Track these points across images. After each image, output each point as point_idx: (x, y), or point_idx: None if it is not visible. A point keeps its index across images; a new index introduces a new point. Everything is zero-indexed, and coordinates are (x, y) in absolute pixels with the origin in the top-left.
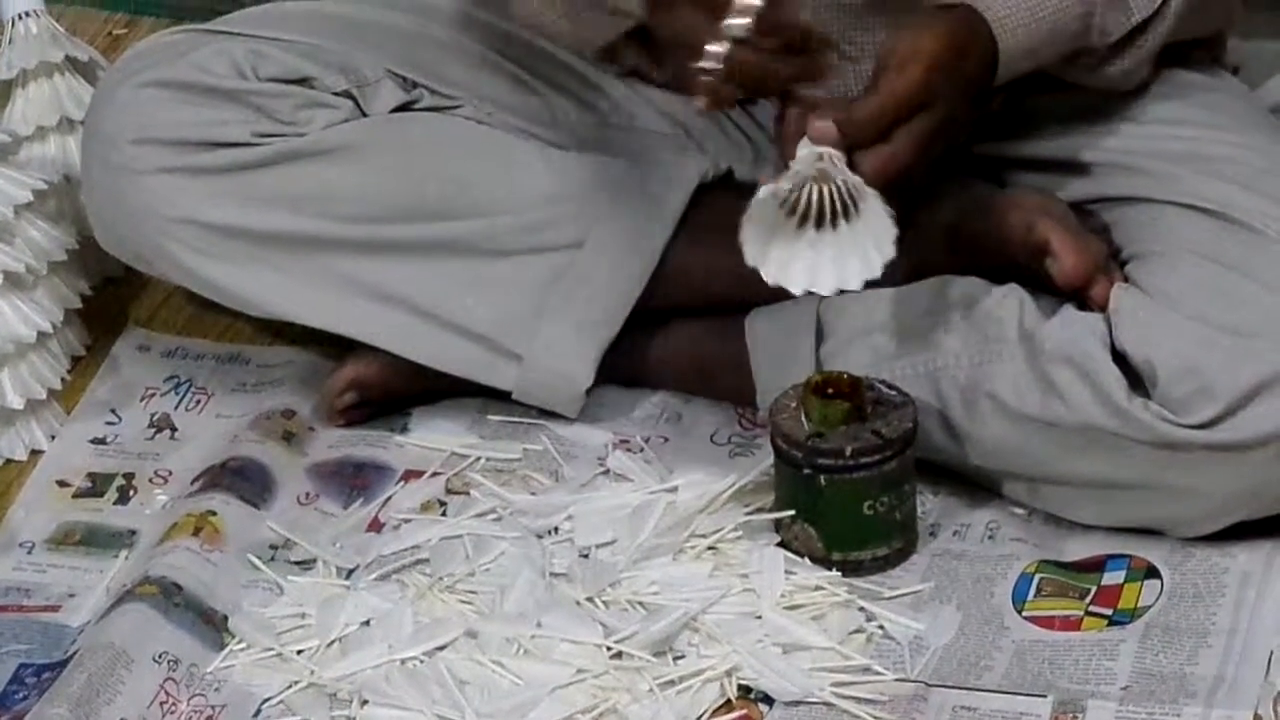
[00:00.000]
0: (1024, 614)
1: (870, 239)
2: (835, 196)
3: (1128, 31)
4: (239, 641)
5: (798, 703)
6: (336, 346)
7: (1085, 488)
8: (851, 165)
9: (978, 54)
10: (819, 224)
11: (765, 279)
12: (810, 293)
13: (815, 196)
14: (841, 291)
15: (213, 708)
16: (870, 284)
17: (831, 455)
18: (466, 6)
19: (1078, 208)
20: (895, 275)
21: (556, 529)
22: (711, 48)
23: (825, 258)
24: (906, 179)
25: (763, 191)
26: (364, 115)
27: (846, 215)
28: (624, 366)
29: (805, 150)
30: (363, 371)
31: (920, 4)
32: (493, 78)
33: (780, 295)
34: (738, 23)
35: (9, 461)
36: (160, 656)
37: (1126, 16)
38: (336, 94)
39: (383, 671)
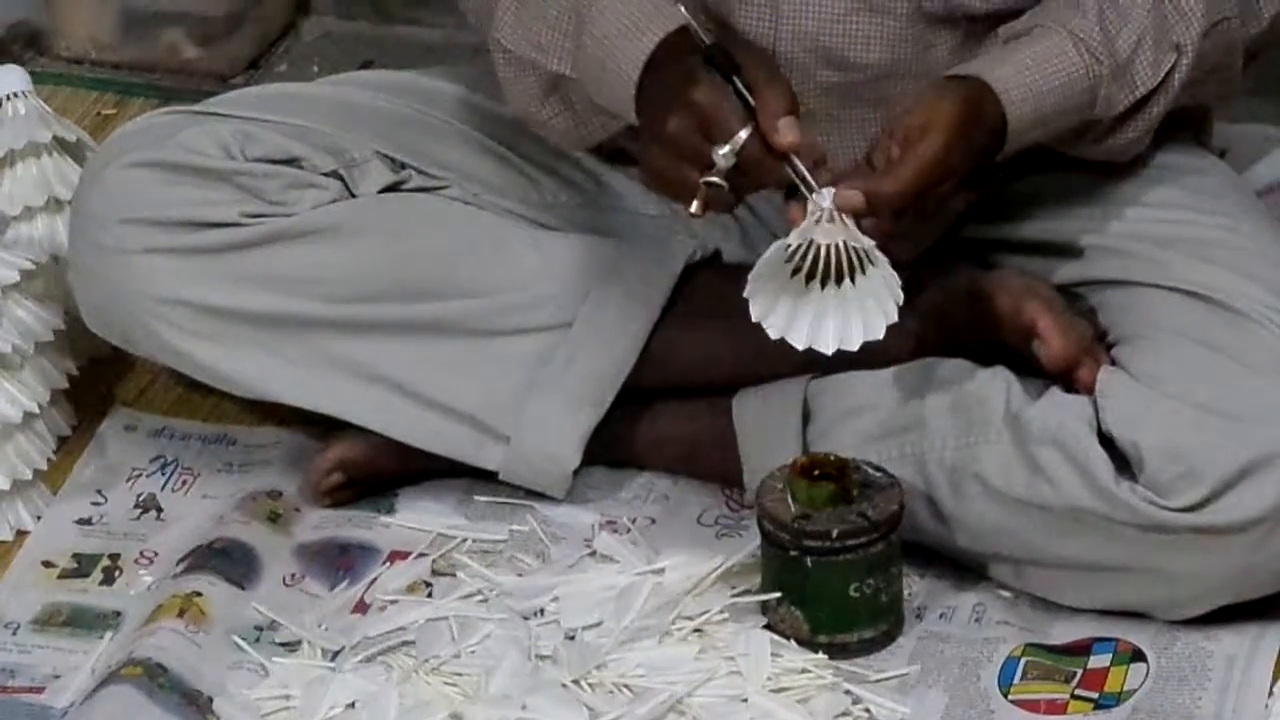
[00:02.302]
0: (1010, 697)
1: (876, 300)
2: (843, 256)
3: (1133, 107)
4: None
5: None
6: (323, 427)
7: (1072, 570)
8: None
9: (987, 124)
10: (824, 282)
11: (769, 334)
12: (812, 350)
13: (823, 255)
14: (841, 351)
15: None
16: (862, 358)
17: (818, 537)
18: (463, 92)
19: (1065, 291)
20: (884, 356)
21: (543, 610)
22: (706, 178)
23: (831, 316)
24: (903, 244)
25: (771, 250)
26: (352, 196)
27: (853, 275)
28: (611, 447)
29: (816, 206)
30: (349, 452)
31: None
32: (480, 159)
33: (768, 376)
34: (725, 151)
35: None
36: None
37: (1131, 89)
38: (325, 174)
39: None
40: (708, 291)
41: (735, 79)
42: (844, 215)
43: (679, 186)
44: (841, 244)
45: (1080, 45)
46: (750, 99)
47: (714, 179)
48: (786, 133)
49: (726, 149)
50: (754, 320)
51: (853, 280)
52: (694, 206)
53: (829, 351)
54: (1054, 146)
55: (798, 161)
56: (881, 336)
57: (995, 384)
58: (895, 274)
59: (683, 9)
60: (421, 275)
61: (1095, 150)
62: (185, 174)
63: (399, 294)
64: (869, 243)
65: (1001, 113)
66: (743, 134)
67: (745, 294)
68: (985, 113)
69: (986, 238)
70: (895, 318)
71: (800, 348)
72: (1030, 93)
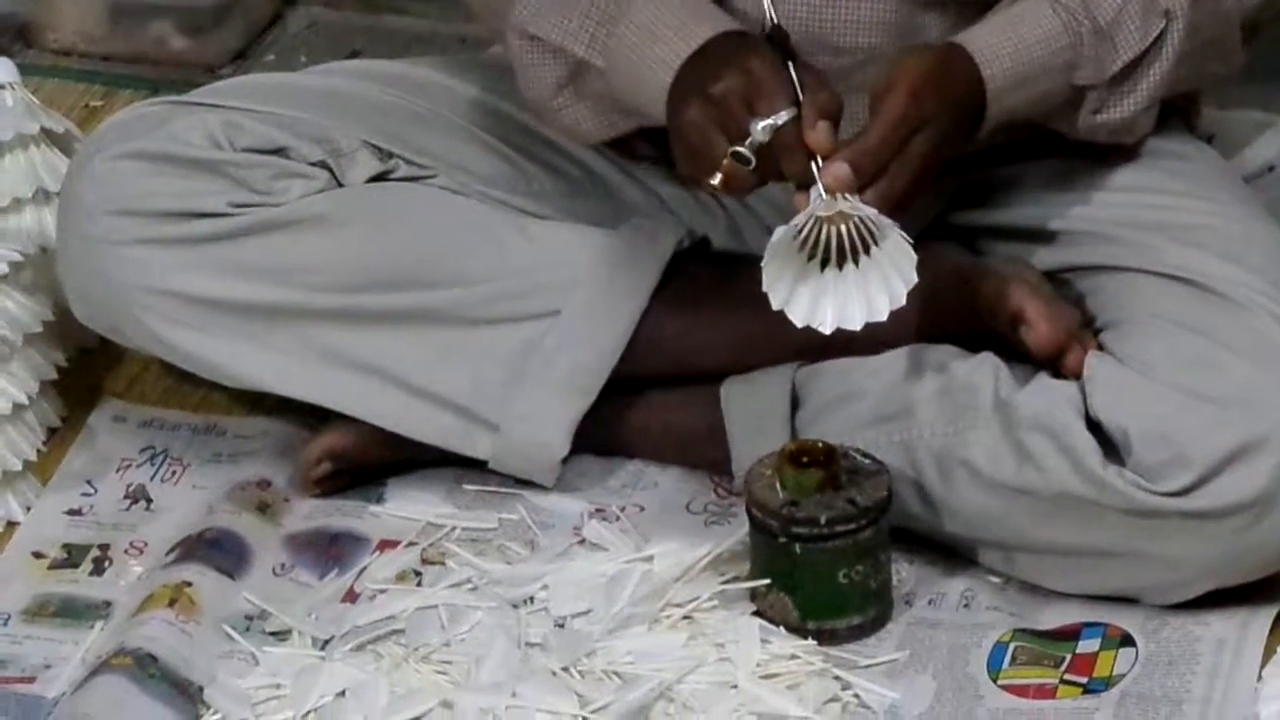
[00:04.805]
0: (999, 682)
1: (893, 269)
2: (852, 232)
3: (1125, 73)
4: (214, 713)
5: None
6: (312, 417)
7: (1060, 555)
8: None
9: (962, 79)
10: (840, 262)
11: (794, 322)
12: (840, 329)
13: (832, 234)
14: (869, 325)
15: None
16: (853, 344)
17: (806, 524)
18: (451, 81)
19: (1052, 276)
20: (873, 342)
21: (532, 599)
22: (735, 148)
23: (851, 294)
24: (907, 205)
25: (777, 234)
26: (340, 185)
27: (867, 249)
28: (600, 435)
29: (815, 189)
30: (338, 441)
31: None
32: (468, 147)
33: (756, 364)
34: (766, 124)
35: None
36: None
37: (1116, 52)
38: (312, 164)
39: None
40: (696, 279)
41: (791, 66)
42: (844, 194)
43: (706, 152)
44: (847, 224)
45: (1057, 5)
46: (799, 90)
47: (742, 150)
48: (823, 135)
49: (767, 123)
50: (775, 309)
51: (867, 253)
52: (715, 179)
53: (858, 328)
54: (1053, 124)
55: (819, 160)
56: (904, 302)
57: (983, 370)
58: (905, 238)
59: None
60: (409, 264)
61: (1095, 128)
62: (173, 164)
63: (387, 283)
64: (871, 211)
65: (977, 71)
66: (785, 114)
67: (763, 287)
68: (956, 67)
69: (974, 224)
70: (915, 279)
71: (827, 332)
72: (1007, 51)
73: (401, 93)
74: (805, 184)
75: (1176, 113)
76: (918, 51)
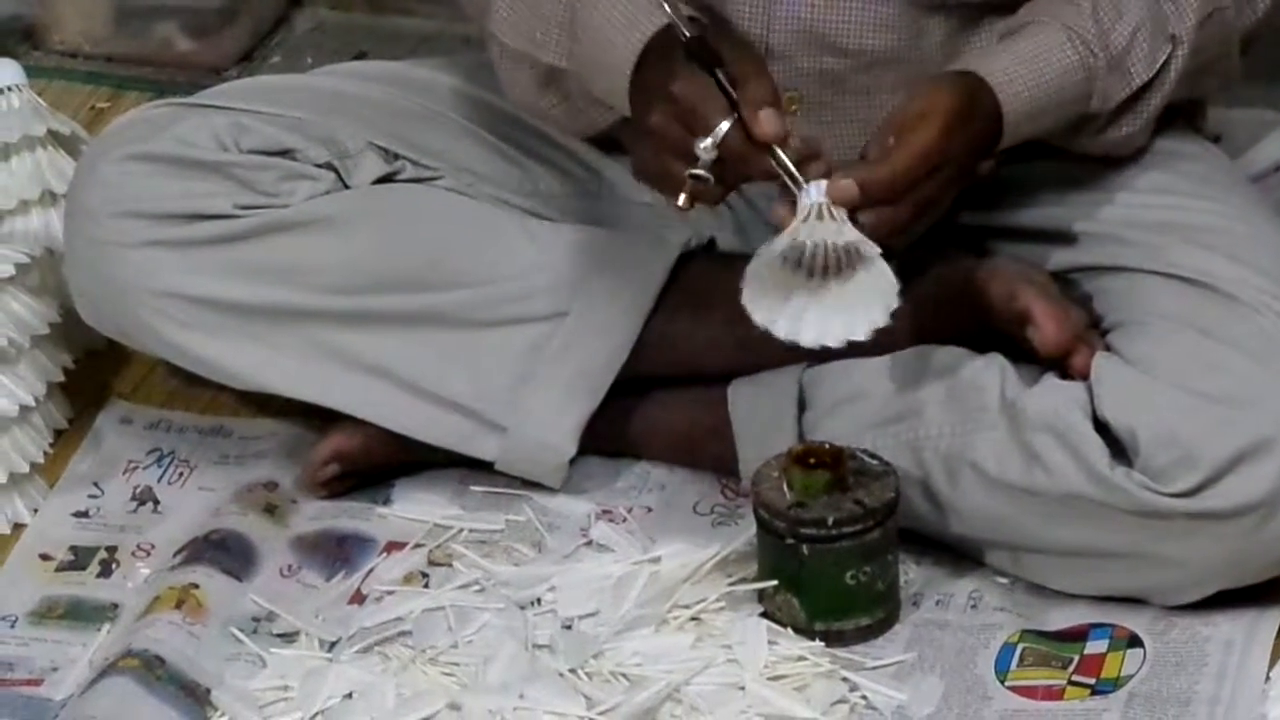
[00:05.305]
0: (1007, 684)
1: (875, 291)
2: (837, 250)
3: (1130, 98)
4: (222, 715)
5: None
6: (319, 418)
7: (1068, 556)
8: (852, 221)
9: (983, 117)
10: (823, 276)
11: (775, 334)
12: (823, 345)
13: (818, 250)
14: (850, 342)
15: None
16: (856, 346)
17: (814, 525)
18: (457, 82)
19: (1059, 277)
20: (879, 344)
21: (539, 600)
22: (691, 170)
23: (832, 310)
24: (901, 237)
25: (764, 248)
26: (346, 187)
27: (852, 267)
28: (607, 437)
29: (807, 202)
30: (345, 443)
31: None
32: (474, 149)
33: (762, 365)
34: (707, 144)
35: None
36: None
37: (1127, 81)
38: (318, 166)
39: None
40: (703, 280)
41: (718, 72)
42: (836, 210)
43: (665, 180)
44: (830, 243)
45: (1075, 37)
46: (733, 92)
47: (699, 172)
48: (768, 123)
49: (708, 142)
50: (755, 321)
51: (845, 274)
52: (680, 200)
53: (835, 345)
54: (1053, 142)
55: (783, 155)
56: (872, 333)
57: (990, 371)
58: (889, 269)
59: (665, 4)
60: (415, 266)
61: (1095, 145)
62: (179, 167)
63: (393, 285)
64: (858, 236)
65: (997, 105)
66: (723, 126)
67: (743, 300)
68: (981, 104)
69: (981, 224)
70: (885, 320)
71: (806, 345)
72: (1025, 85)
73: (407, 94)
74: (772, 178)
75: (1182, 113)
76: (947, 84)
